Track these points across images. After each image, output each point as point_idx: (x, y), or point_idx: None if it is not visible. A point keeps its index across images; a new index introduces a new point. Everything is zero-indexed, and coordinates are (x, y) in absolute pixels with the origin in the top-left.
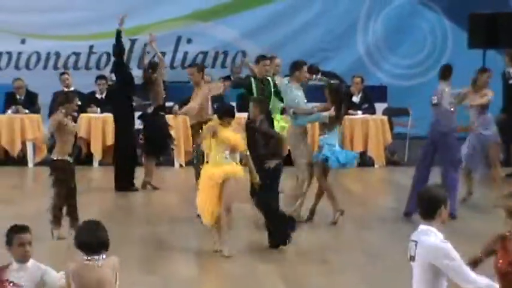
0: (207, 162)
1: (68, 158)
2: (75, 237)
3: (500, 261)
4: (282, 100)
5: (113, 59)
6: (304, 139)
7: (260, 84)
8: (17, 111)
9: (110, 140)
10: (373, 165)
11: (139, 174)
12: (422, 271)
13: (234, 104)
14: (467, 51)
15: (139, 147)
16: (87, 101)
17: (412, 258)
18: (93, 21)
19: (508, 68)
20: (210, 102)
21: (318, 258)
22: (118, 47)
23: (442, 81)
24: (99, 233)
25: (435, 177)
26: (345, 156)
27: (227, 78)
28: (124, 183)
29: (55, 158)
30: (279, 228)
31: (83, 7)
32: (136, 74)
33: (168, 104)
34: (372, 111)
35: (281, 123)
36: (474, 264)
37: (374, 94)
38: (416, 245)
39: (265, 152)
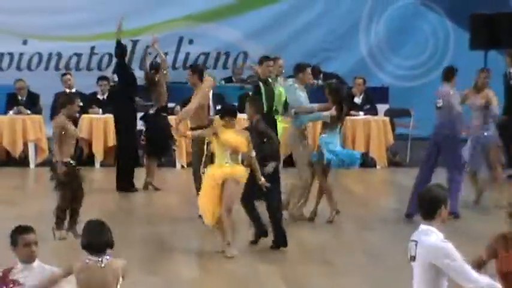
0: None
1: (70, 161)
2: (81, 236)
3: (502, 261)
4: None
5: (114, 60)
6: (303, 140)
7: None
8: (18, 112)
9: (112, 141)
10: (375, 166)
11: (140, 175)
12: (422, 271)
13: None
14: (469, 52)
15: (141, 148)
16: (89, 102)
17: (413, 258)
18: (94, 22)
19: (510, 68)
20: (211, 103)
21: (319, 258)
22: (119, 49)
23: (445, 83)
24: (103, 234)
25: (438, 178)
26: (346, 153)
27: (228, 79)
28: (124, 183)
29: (56, 161)
30: (280, 230)
31: (85, 8)
32: (138, 75)
33: (170, 104)
34: (374, 112)
35: (282, 124)
36: (478, 267)
37: (376, 95)
38: (416, 245)
39: (262, 155)
